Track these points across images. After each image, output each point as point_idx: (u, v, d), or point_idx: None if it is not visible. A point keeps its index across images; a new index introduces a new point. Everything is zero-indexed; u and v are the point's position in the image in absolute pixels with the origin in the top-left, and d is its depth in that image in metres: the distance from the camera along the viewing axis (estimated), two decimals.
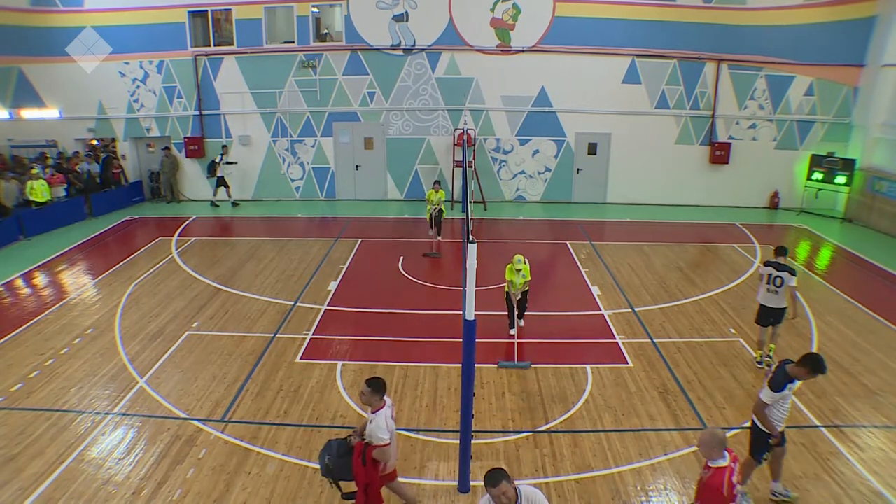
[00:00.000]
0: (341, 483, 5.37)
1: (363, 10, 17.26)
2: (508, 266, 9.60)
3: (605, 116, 17.86)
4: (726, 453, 4.65)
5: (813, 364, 5.70)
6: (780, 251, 8.80)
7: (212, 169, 17.89)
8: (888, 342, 9.87)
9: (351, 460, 5.14)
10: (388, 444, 5.08)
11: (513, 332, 9.80)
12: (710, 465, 4.67)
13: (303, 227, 16.40)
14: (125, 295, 11.54)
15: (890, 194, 15.66)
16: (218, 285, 11.98)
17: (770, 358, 8.99)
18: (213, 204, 18.23)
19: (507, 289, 9.73)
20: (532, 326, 10.27)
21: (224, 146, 17.95)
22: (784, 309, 8.77)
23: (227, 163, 17.96)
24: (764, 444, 5.95)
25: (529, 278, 9.63)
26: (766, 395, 5.79)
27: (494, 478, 4.21)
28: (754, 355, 9.18)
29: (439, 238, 14.48)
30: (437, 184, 14.38)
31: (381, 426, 5.07)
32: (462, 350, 5.91)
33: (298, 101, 18.00)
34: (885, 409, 7.93)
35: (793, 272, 8.50)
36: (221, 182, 17.94)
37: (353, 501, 5.32)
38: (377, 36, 17.42)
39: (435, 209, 14.01)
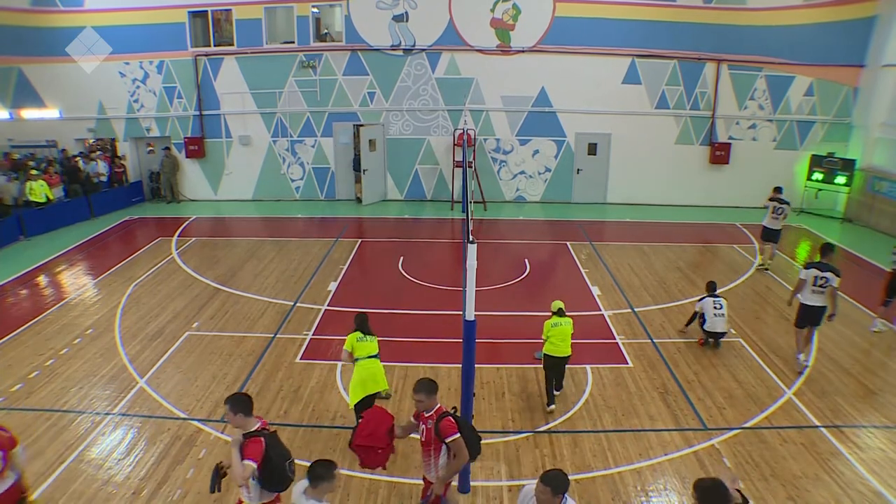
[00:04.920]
0: None
1: (363, 11, 17.26)
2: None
3: (605, 117, 17.85)
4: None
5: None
6: (779, 189, 12.86)
7: (357, 164, 18.08)
8: (888, 342, 9.88)
9: None
10: None
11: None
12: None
13: (303, 227, 16.40)
14: (125, 295, 11.54)
15: (890, 194, 15.65)
16: (218, 285, 11.98)
17: (767, 269, 12.80)
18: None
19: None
20: (532, 327, 10.26)
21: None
22: (780, 231, 12.53)
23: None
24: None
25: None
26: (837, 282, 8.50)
27: (563, 483, 3.98)
28: (759, 260, 13.23)
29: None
30: (362, 326, 7.27)
31: None
32: (462, 350, 5.92)
33: (298, 102, 18.00)
34: (885, 409, 7.94)
35: (788, 203, 12.60)
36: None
37: None
38: (377, 36, 17.42)
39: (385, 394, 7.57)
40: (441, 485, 5.13)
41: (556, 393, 8.07)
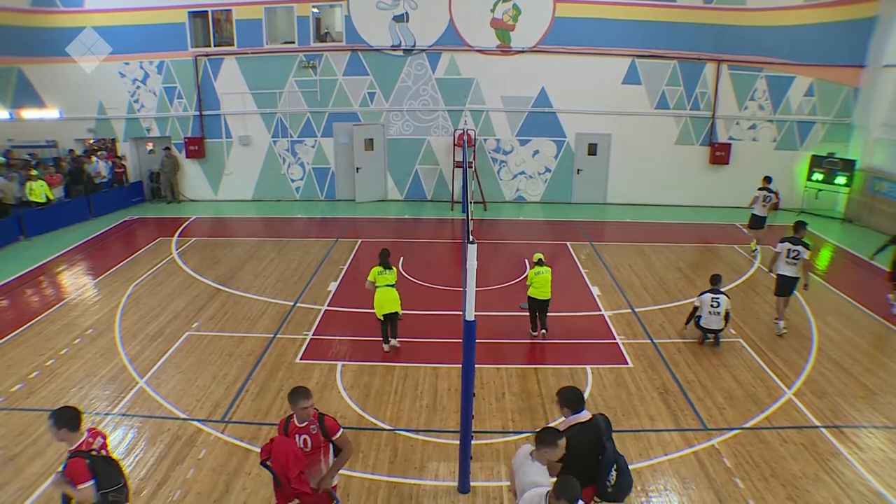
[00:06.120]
0: None
1: (363, 11, 17.26)
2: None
3: (605, 117, 17.85)
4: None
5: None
6: (768, 179, 13.75)
7: None
8: (888, 342, 9.88)
9: None
10: None
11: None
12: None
13: (303, 227, 16.40)
14: (125, 295, 11.54)
15: (890, 195, 15.65)
16: (218, 286, 11.98)
17: (755, 252, 13.79)
18: None
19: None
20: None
21: None
22: (766, 217, 13.63)
23: None
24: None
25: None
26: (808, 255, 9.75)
27: (574, 491, 3.90)
28: (750, 247, 14.13)
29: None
30: (384, 261, 9.25)
31: None
32: (462, 350, 5.92)
33: (299, 102, 18.00)
34: (885, 409, 7.93)
35: (776, 192, 13.80)
36: None
37: None
38: (377, 36, 17.42)
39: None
40: (330, 479, 4.98)
41: (543, 331, 9.68)
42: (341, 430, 4.96)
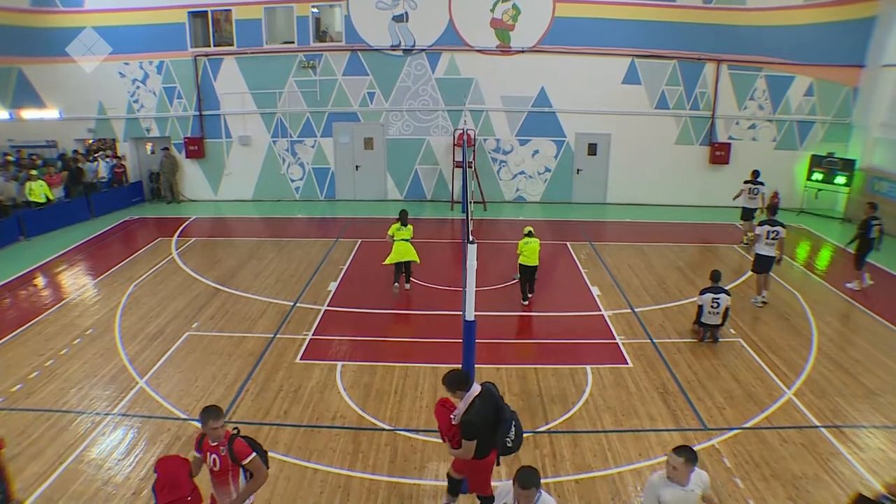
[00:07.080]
0: None
1: (363, 11, 17.26)
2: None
3: (604, 117, 17.85)
4: None
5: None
6: (756, 173, 14.45)
7: None
8: (888, 342, 9.87)
9: None
10: None
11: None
12: None
13: (303, 227, 16.40)
14: (125, 295, 11.54)
15: (890, 195, 15.65)
16: (218, 286, 11.98)
17: (747, 243, 14.41)
18: None
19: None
20: (532, 327, 10.28)
21: None
22: (755, 210, 14.31)
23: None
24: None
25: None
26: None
27: (530, 479, 4.12)
28: (743, 240, 14.81)
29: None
30: (402, 219, 11.22)
31: None
32: (462, 350, 5.92)
33: (298, 102, 18.00)
34: (885, 409, 7.93)
35: (763, 184, 14.32)
36: None
37: None
38: (377, 36, 17.42)
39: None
40: (241, 502, 4.91)
41: (529, 295, 10.98)
42: (252, 455, 4.78)
